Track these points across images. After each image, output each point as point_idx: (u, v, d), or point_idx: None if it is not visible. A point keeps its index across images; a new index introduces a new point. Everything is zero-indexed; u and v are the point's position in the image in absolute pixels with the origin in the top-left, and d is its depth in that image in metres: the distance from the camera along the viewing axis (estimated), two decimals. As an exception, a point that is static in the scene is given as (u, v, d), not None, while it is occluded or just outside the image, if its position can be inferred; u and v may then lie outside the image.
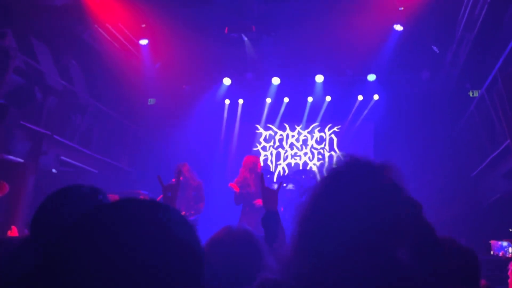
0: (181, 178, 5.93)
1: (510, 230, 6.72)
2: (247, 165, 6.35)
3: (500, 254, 4.79)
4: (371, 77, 9.36)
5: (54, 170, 7.54)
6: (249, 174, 6.23)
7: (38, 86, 7.32)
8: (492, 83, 6.32)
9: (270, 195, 2.26)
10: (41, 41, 7.84)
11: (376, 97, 9.70)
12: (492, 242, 4.90)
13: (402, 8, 7.19)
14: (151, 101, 10.80)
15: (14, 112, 6.39)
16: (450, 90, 9.00)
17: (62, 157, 7.62)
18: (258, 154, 10.69)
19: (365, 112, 9.95)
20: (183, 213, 4.67)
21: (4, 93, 6.45)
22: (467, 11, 7.20)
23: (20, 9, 7.23)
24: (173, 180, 6.12)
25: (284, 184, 8.79)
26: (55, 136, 7.26)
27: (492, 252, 4.86)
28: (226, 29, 6.93)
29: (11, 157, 6.61)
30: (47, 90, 7.49)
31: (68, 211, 1.33)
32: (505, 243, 4.79)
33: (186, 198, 6.40)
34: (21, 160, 6.75)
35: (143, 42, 8.42)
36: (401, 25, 7.43)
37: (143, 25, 8.20)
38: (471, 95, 8.68)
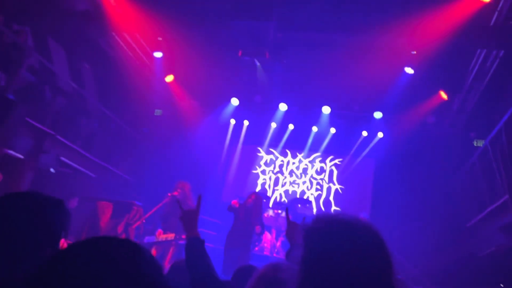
0: (175, 193, 5.90)
1: (501, 286, 6.60)
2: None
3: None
4: (378, 115, 9.41)
5: (52, 170, 7.54)
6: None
7: (49, 85, 7.41)
8: (496, 137, 6.33)
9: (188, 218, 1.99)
10: (58, 42, 7.98)
11: (380, 134, 9.74)
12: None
13: (415, 52, 7.28)
14: (158, 112, 10.87)
15: (21, 108, 6.45)
16: (455, 137, 9.02)
17: (62, 158, 7.63)
18: (257, 177, 10.68)
19: (368, 148, 9.98)
20: (173, 235, 4.55)
21: (14, 89, 6.53)
22: (479, 62, 7.29)
23: (41, 9, 7.38)
24: (170, 194, 6.08)
25: (279, 211, 8.77)
26: (58, 137, 7.30)
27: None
28: (240, 52, 7.03)
29: (12, 152, 6.63)
30: (57, 91, 7.58)
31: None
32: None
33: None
34: (21, 156, 6.77)
35: (158, 54, 8.53)
36: (412, 68, 7.50)
37: (160, 38, 8.33)
38: (475, 145, 8.69)
